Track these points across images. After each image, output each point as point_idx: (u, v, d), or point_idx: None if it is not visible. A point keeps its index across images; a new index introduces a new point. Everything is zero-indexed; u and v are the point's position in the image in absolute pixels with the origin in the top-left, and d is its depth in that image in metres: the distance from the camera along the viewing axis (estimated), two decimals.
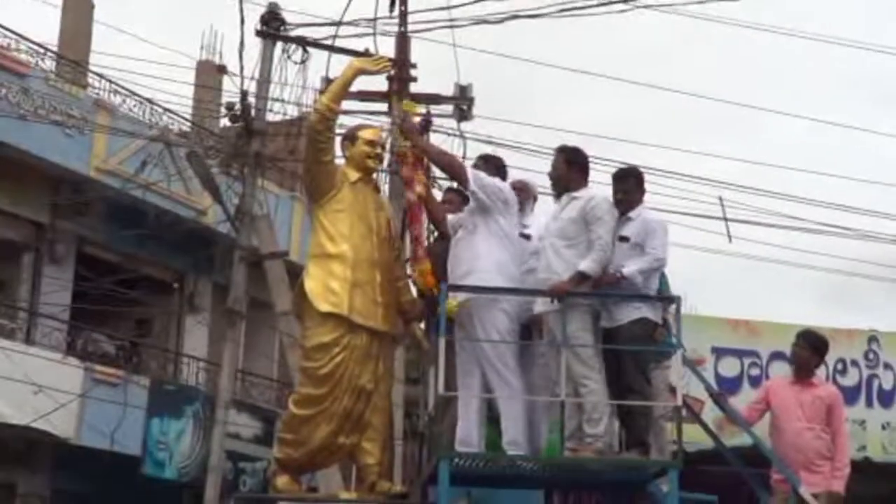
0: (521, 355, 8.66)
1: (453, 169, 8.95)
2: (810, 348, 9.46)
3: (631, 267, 8.41)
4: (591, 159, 8.97)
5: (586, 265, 8.34)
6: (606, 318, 8.46)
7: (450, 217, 9.11)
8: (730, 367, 17.63)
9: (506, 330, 8.54)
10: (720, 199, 14.33)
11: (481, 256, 8.62)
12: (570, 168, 8.74)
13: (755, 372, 17.77)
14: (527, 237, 9.00)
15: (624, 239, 8.55)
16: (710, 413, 10.65)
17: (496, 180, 8.82)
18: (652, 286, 8.61)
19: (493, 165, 9.10)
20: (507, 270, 8.63)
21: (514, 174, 9.72)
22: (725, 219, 14.23)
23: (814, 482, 8.95)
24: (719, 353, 17.50)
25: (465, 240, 8.74)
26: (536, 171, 9.03)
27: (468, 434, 8.51)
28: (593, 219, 8.43)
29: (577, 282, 8.32)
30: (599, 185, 8.96)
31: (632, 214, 8.69)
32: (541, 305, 8.52)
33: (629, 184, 8.81)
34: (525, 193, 9.41)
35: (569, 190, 8.65)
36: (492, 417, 8.65)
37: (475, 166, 9.16)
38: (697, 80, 49.79)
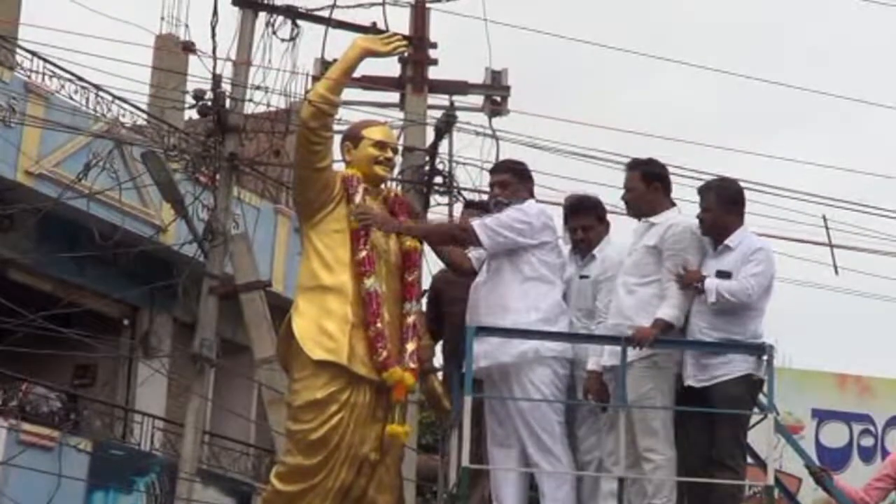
0: (569, 424, 8.63)
1: (455, 239, 8.92)
2: None
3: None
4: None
5: (664, 311, 8.34)
6: (697, 371, 8.44)
7: (472, 253, 9.06)
8: (835, 436, 17.58)
9: (551, 392, 8.54)
10: (824, 218, 14.18)
11: (514, 298, 8.61)
12: (649, 186, 8.75)
13: (868, 442, 17.72)
14: (584, 276, 8.93)
15: (723, 275, 8.49)
16: (809, 493, 10.63)
17: (519, 209, 8.74)
18: (749, 329, 8.55)
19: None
20: (550, 316, 8.63)
21: (568, 187, 9.68)
22: (831, 245, 14.10)
23: None
24: (822, 416, 17.46)
25: (490, 282, 8.71)
26: (589, 181, 8.95)
27: None
28: (669, 252, 8.45)
29: (660, 329, 8.34)
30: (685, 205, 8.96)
31: (730, 242, 8.64)
32: (610, 357, 8.49)
33: (717, 200, 8.77)
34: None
35: (648, 214, 8.67)
36: (533, 500, 8.63)
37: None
38: (783, 66, 49.68)
